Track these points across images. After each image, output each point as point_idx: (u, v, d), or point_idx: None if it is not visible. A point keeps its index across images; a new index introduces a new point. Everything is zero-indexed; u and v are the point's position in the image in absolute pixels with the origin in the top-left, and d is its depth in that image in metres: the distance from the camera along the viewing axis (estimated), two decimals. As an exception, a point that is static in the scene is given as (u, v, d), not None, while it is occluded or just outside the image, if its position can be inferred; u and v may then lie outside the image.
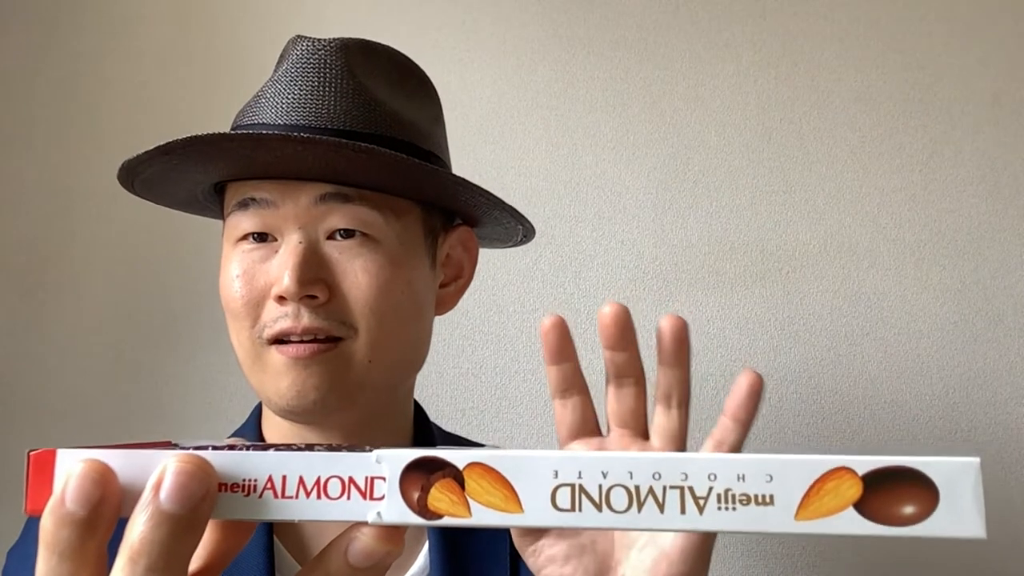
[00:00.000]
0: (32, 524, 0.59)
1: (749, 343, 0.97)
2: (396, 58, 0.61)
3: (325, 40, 0.57)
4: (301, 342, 0.53)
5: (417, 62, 0.63)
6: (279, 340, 0.54)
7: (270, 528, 0.56)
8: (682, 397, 0.47)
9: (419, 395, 0.67)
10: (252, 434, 0.62)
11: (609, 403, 0.48)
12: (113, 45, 1.11)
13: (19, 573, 0.57)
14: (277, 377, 0.54)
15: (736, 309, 0.98)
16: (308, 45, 0.57)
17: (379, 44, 0.60)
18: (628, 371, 0.47)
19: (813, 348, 0.97)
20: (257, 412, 0.64)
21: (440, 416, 0.73)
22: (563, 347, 0.48)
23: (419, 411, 0.66)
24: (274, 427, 0.60)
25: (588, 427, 0.49)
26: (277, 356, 0.54)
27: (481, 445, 0.69)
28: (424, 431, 0.65)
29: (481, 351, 1.00)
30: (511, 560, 0.59)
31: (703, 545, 0.45)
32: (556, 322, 0.47)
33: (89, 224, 1.07)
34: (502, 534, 0.59)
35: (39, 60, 1.11)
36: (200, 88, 1.09)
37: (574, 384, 0.49)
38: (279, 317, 0.53)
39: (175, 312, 1.04)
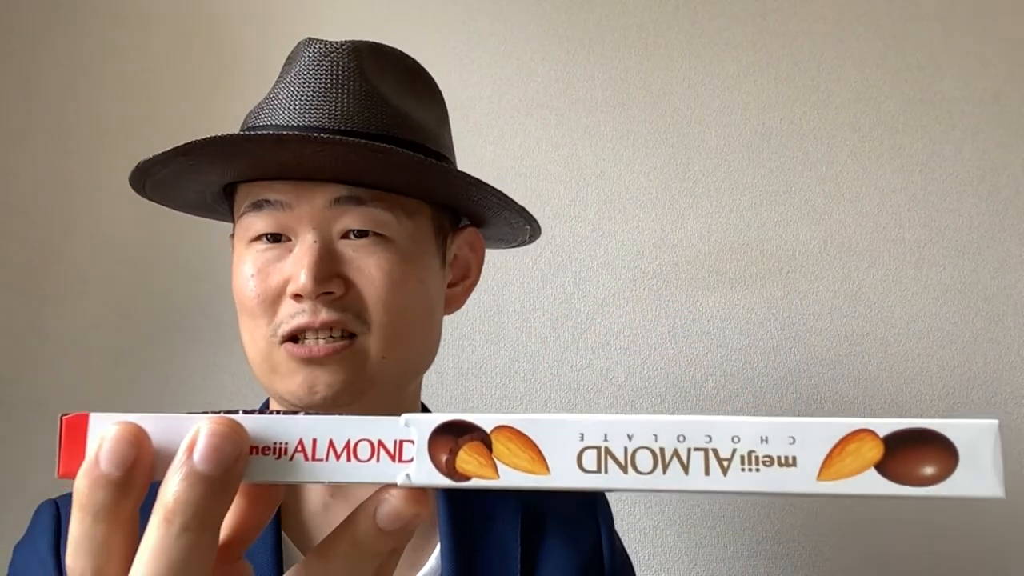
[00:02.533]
0: (38, 518, 0.60)
1: (749, 343, 0.97)
2: (405, 61, 0.62)
3: (337, 43, 0.58)
4: (317, 340, 0.54)
5: (420, 64, 0.63)
6: (294, 337, 0.55)
7: (277, 522, 0.57)
8: None
9: (420, 395, 0.67)
10: None
11: None
12: (114, 45, 1.11)
13: (25, 567, 0.57)
14: (288, 376, 0.55)
15: (736, 309, 0.98)
16: (320, 47, 0.57)
17: (388, 47, 0.61)
18: None
19: (813, 348, 0.97)
20: (264, 409, 0.64)
21: (440, 416, 0.74)
22: None
23: (426, 412, 0.66)
24: None
25: None
26: (288, 356, 0.54)
27: None
28: None
29: (481, 351, 1.00)
30: (522, 560, 0.59)
31: None
32: None
33: (89, 224, 1.07)
34: (513, 535, 0.60)
35: (39, 60, 1.11)
36: (201, 88, 1.09)
37: None
38: (296, 313, 0.54)
39: (175, 312, 1.04)
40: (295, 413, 0.25)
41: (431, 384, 0.98)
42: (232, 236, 0.60)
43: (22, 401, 1.03)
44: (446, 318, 0.64)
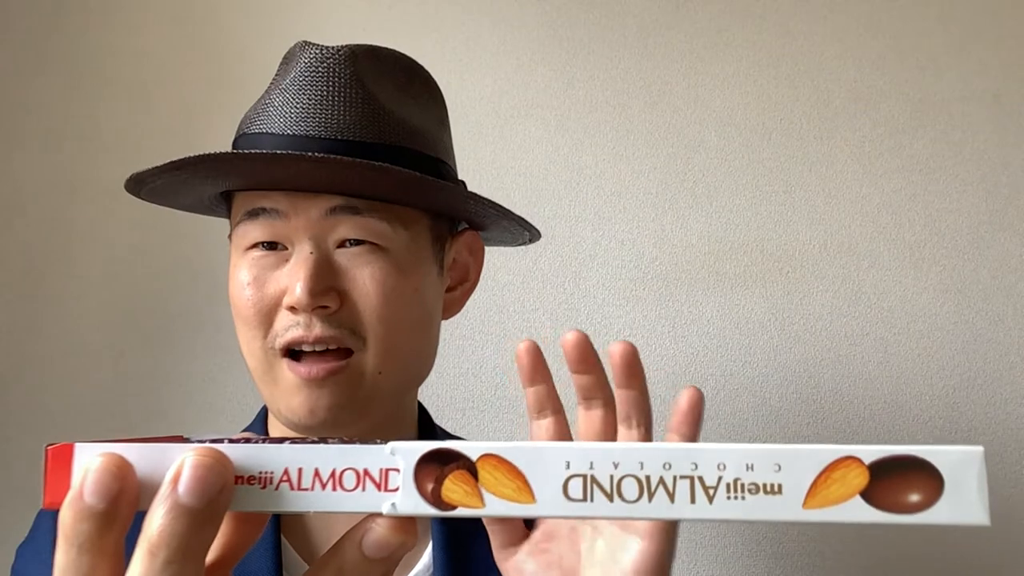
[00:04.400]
0: (41, 520, 0.60)
1: (749, 343, 0.97)
2: (402, 62, 0.61)
3: (333, 48, 0.57)
4: (313, 352, 0.54)
5: (417, 62, 0.63)
6: (291, 351, 0.55)
7: (277, 526, 0.57)
8: (641, 417, 0.48)
9: (419, 395, 0.67)
10: (259, 434, 0.63)
11: (578, 423, 0.50)
12: (113, 45, 1.11)
13: (29, 568, 0.58)
14: (289, 394, 0.55)
15: (736, 309, 0.98)
16: (316, 53, 0.57)
17: (385, 49, 0.60)
18: (594, 393, 0.48)
19: (813, 348, 0.97)
20: (263, 413, 0.64)
21: (440, 416, 0.73)
22: (536, 370, 0.50)
23: (423, 414, 0.66)
24: (280, 429, 0.60)
25: None
26: (289, 374, 0.54)
27: None
28: (428, 435, 0.66)
29: (481, 351, 1.00)
30: None
31: (660, 562, 0.46)
32: (529, 347, 0.50)
33: (89, 224, 1.07)
34: None
35: (39, 60, 1.11)
36: (201, 88, 1.09)
37: (548, 404, 0.50)
38: (291, 326, 0.54)
39: (175, 312, 1.04)
40: (281, 441, 0.24)
41: (431, 385, 0.98)
42: (230, 237, 0.60)
43: (22, 401, 1.03)
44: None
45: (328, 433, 0.57)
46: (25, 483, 1.00)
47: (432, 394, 0.98)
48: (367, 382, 0.55)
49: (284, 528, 0.58)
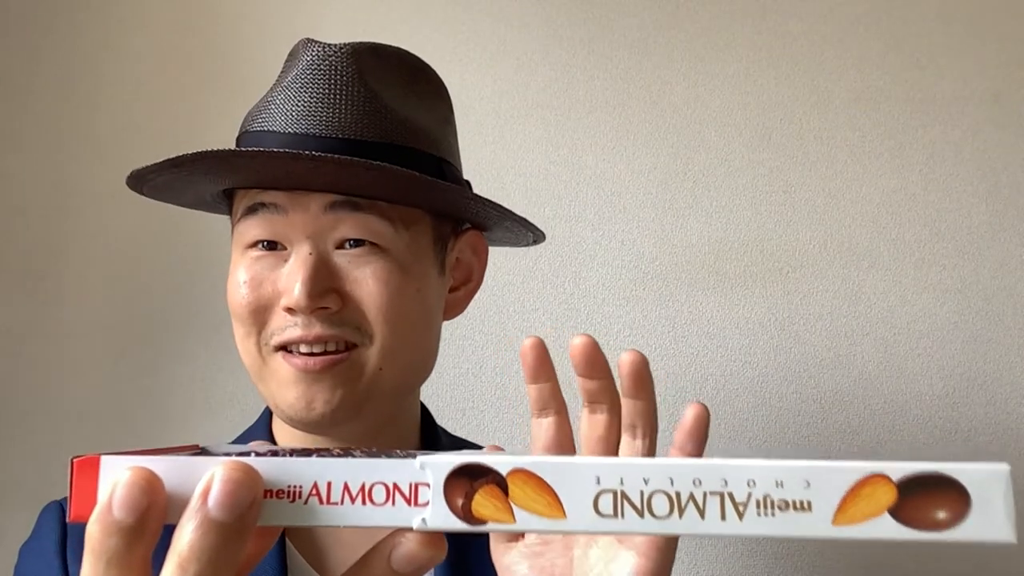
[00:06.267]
0: (43, 519, 0.60)
1: (749, 343, 0.97)
2: (406, 60, 0.61)
3: (336, 45, 0.57)
4: (311, 354, 0.53)
5: (422, 60, 0.63)
6: (286, 347, 0.54)
7: (282, 532, 0.57)
8: (646, 428, 0.46)
9: (419, 395, 0.67)
10: (263, 436, 0.62)
11: (581, 428, 0.49)
12: (111, 45, 1.11)
13: (31, 568, 0.57)
14: (284, 388, 0.54)
15: (736, 309, 0.98)
16: (318, 50, 0.57)
17: (388, 46, 0.60)
18: (600, 398, 0.47)
19: (813, 348, 0.97)
20: (268, 414, 0.64)
21: (440, 416, 0.73)
22: (541, 368, 0.48)
23: (426, 414, 0.66)
24: (284, 430, 0.60)
25: (563, 446, 0.50)
26: (284, 366, 0.54)
27: (480, 447, 0.69)
28: (430, 435, 0.65)
29: (481, 351, 1.00)
30: None
31: (659, 571, 0.45)
32: (535, 343, 0.48)
33: (88, 224, 1.07)
34: None
35: (38, 60, 1.11)
36: (198, 88, 1.08)
37: (551, 403, 0.49)
38: (288, 326, 0.53)
39: (175, 312, 1.04)
40: (308, 454, 0.24)
41: (431, 384, 0.98)
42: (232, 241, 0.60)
43: (22, 401, 1.03)
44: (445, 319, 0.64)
45: (326, 431, 0.56)
46: (26, 483, 1.00)
47: (432, 394, 0.98)
48: (366, 377, 0.54)
49: (289, 532, 0.58)
